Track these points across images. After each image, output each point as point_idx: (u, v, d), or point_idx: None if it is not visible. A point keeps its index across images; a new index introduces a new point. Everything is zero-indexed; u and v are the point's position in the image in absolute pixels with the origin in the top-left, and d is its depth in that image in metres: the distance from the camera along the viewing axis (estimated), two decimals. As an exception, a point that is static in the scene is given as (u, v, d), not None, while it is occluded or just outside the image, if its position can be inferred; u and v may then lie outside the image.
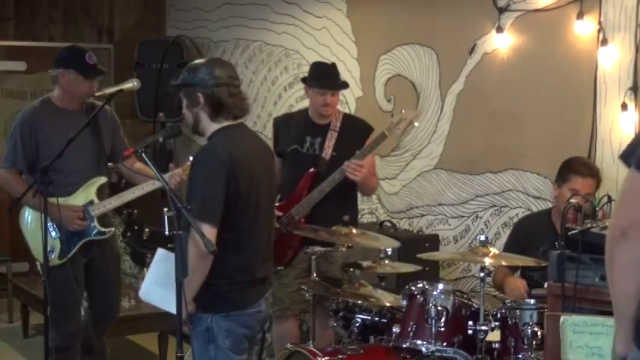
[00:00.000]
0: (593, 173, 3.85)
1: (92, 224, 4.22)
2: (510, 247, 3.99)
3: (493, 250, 3.54)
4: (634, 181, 2.00)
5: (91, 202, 4.22)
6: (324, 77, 4.40)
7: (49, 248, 4.05)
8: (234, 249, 3.12)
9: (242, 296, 3.19)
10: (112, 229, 4.32)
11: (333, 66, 4.51)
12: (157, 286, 3.19)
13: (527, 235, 3.99)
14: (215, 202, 3.05)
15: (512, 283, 3.85)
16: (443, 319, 3.48)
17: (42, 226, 3.90)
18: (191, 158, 4.12)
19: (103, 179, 4.27)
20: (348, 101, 5.62)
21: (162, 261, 3.24)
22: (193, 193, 3.08)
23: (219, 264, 3.05)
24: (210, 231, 2.98)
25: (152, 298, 3.27)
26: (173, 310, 3.02)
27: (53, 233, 4.16)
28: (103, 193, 4.28)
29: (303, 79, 4.52)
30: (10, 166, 4.22)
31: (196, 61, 3.31)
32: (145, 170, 4.09)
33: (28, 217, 4.29)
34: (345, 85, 4.59)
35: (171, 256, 3.20)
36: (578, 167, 3.84)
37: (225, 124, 3.21)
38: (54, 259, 4.15)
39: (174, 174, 4.09)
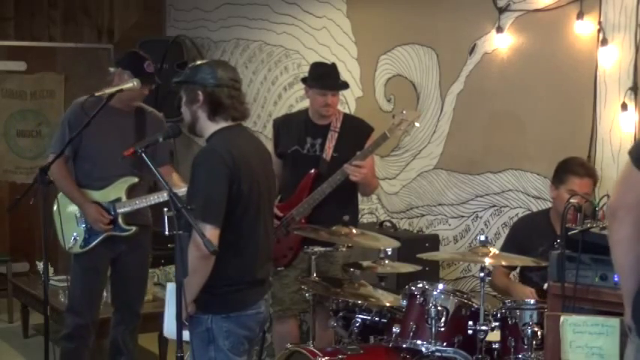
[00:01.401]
0: (591, 173, 3.85)
1: (117, 221, 4.33)
2: (508, 247, 3.98)
3: (493, 250, 3.54)
4: (626, 169, 2.31)
5: (119, 200, 4.34)
6: (324, 78, 4.40)
7: (74, 235, 4.31)
8: (234, 250, 3.12)
9: (242, 297, 3.19)
10: (134, 228, 4.37)
11: (333, 66, 4.51)
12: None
13: (526, 235, 3.99)
14: (217, 203, 3.05)
15: (520, 291, 3.81)
16: (443, 319, 3.48)
17: (61, 214, 4.23)
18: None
19: (134, 179, 4.34)
20: (348, 101, 5.62)
21: (174, 294, 3.24)
22: (195, 194, 3.07)
23: (220, 265, 3.05)
24: (212, 232, 2.99)
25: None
26: None
27: (80, 222, 4.34)
28: (133, 192, 4.36)
29: (304, 80, 4.52)
30: (56, 153, 4.29)
31: (200, 61, 3.32)
32: (172, 180, 4.27)
33: (58, 202, 4.43)
34: (346, 86, 4.59)
35: None
36: (575, 168, 3.83)
37: (224, 125, 3.21)
38: (75, 246, 4.33)
39: None
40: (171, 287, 3.30)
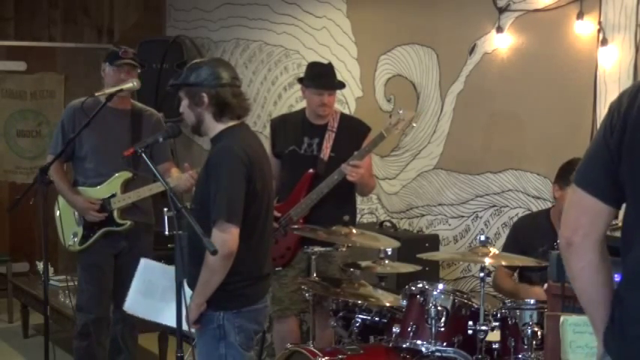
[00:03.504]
0: None
1: (112, 216, 4.38)
2: (509, 247, 3.98)
3: (493, 250, 3.53)
4: (573, 194, 2.11)
5: (114, 195, 4.38)
6: (320, 77, 4.39)
7: (72, 232, 4.40)
8: (247, 247, 3.14)
9: (252, 292, 3.22)
10: (129, 222, 4.41)
11: (329, 66, 4.50)
12: (142, 296, 3.19)
13: (527, 235, 3.99)
14: (239, 203, 3.08)
15: (529, 292, 3.79)
16: (443, 319, 3.47)
17: (62, 214, 4.40)
18: (186, 164, 4.16)
19: (128, 174, 4.37)
20: (348, 101, 5.62)
21: (146, 272, 3.25)
22: (217, 195, 3.07)
23: (234, 263, 3.08)
24: (235, 232, 3.03)
25: (137, 310, 3.28)
26: (160, 319, 3.03)
27: (79, 221, 4.41)
28: (129, 187, 4.40)
29: (300, 80, 4.51)
30: (53, 154, 4.36)
31: (197, 61, 3.31)
32: (168, 172, 4.32)
33: (59, 203, 4.51)
34: (342, 85, 4.58)
35: (154, 265, 3.22)
36: None
37: (231, 123, 3.22)
38: (75, 245, 4.42)
39: (192, 175, 4.10)
40: (144, 263, 3.30)
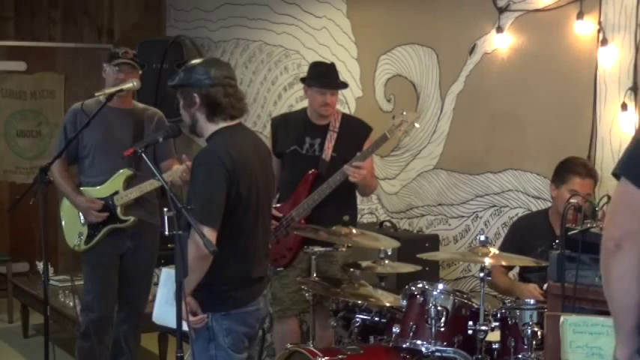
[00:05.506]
0: (592, 174, 3.84)
1: (116, 213, 4.40)
2: (507, 247, 3.97)
3: (493, 250, 3.53)
4: (624, 191, 1.97)
5: (117, 193, 4.41)
6: (323, 77, 4.40)
7: (78, 233, 4.42)
8: (233, 250, 3.13)
9: (241, 295, 3.21)
10: (133, 218, 4.43)
11: (332, 66, 4.51)
12: (169, 306, 3.18)
13: (525, 235, 3.98)
14: (216, 205, 3.06)
15: (524, 290, 3.81)
16: (443, 319, 3.47)
17: (67, 215, 4.45)
18: (184, 156, 4.17)
19: (129, 171, 4.39)
20: (348, 101, 5.62)
21: (168, 281, 3.25)
22: (194, 195, 3.08)
23: (219, 264, 3.06)
24: (210, 234, 3.00)
25: (166, 320, 3.26)
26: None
27: (82, 220, 4.43)
28: (130, 184, 4.42)
29: (303, 79, 4.52)
30: (56, 154, 4.39)
31: (193, 61, 3.30)
32: (170, 169, 4.33)
33: (64, 204, 4.55)
34: (345, 85, 4.59)
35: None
36: (576, 168, 3.83)
37: (223, 124, 3.20)
38: (81, 244, 4.43)
39: (189, 166, 4.10)
40: (165, 272, 3.31)
